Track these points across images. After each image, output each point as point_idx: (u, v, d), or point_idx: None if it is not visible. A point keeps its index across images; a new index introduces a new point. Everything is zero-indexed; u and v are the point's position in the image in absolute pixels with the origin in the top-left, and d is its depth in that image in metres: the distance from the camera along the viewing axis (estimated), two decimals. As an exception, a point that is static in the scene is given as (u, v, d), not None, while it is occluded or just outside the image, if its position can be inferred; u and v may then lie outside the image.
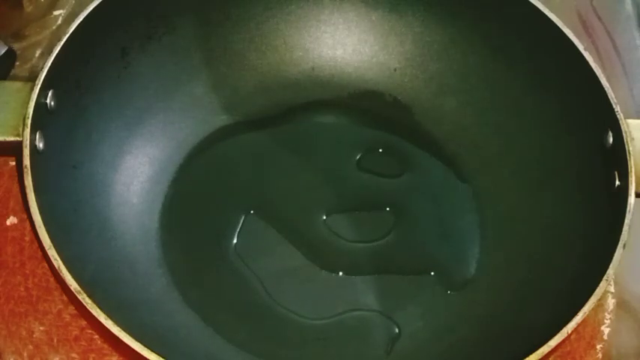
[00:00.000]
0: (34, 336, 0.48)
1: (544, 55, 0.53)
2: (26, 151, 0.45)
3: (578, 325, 0.43)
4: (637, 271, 0.53)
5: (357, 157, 0.56)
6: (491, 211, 0.53)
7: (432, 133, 0.56)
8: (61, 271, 0.42)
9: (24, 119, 0.46)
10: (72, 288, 0.42)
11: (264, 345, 0.49)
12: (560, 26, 0.51)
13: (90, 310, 0.41)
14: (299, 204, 0.54)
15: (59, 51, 0.47)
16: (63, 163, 0.48)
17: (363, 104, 0.56)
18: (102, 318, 0.41)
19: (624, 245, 0.45)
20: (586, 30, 0.62)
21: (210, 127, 0.55)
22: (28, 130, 0.45)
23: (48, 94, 0.47)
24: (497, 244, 0.52)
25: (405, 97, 0.58)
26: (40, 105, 0.46)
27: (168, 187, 0.53)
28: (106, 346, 0.48)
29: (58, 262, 0.42)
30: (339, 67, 0.58)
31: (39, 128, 0.46)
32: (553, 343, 0.42)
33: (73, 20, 0.49)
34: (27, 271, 0.50)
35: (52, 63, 0.47)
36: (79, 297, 0.41)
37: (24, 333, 0.48)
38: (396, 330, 0.50)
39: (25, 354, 0.47)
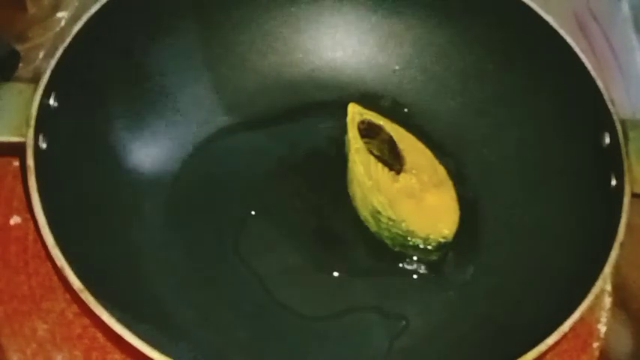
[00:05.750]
0: (38, 334, 0.48)
1: (541, 57, 0.53)
2: (30, 152, 0.45)
3: (575, 323, 0.43)
4: (633, 270, 0.54)
5: (357, 158, 0.56)
6: (489, 211, 0.54)
7: (431, 133, 0.57)
8: (64, 270, 0.42)
9: (27, 120, 0.46)
10: (75, 287, 0.42)
11: (264, 343, 0.49)
12: (557, 28, 0.52)
13: (93, 308, 0.41)
14: (299, 204, 0.54)
15: (62, 52, 0.48)
16: (66, 163, 0.48)
17: (362, 105, 0.56)
18: (104, 316, 0.41)
19: (620, 244, 0.45)
20: (583, 32, 0.62)
21: (211, 128, 0.56)
22: (31, 131, 0.46)
23: (51, 95, 0.47)
24: (495, 243, 0.52)
25: (405, 98, 0.58)
26: (43, 106, 0.47)
27: (169, 188, 0.53)
28: (108, 344, 0.48)
29: (61, 261, 0.42)
30: (339, 68, 0.58)
31: (42, 129, 0.46)
32: (550, 341, 0.43)
33: (76, 22, 0.49)
34: (30, 270, 0.50)
35: (55, 64, 0.47)
36: (82, 295, 0.42)
37: (27, 331, 0.48)
38: (396, 329, 0.50)
39: (29, 352, 0.48)
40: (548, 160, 0.53)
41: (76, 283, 0.42)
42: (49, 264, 0.49)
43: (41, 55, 0.58)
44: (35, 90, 0.47)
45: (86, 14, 0.49)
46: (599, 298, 0.51)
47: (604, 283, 0.47)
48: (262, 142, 0.56)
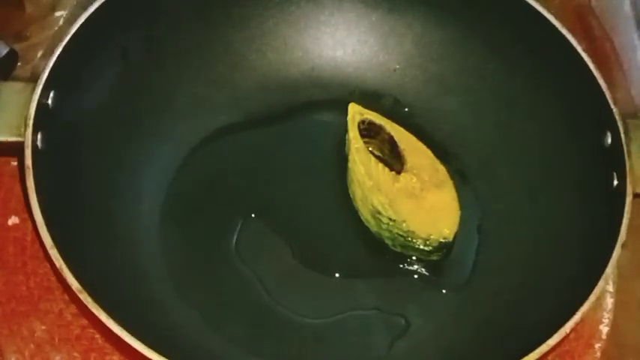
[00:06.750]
0: (36, 335, 0.48)
1: (543, 56, 0.53)
2: (28, 152, 0.45)
3: (577, 324, 0.43)
4: (635, 270, 0.54)
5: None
6: (490, 211, 0.54)
7: (432, 133, 0.56)
8: (62, 271, 0.42)
9: (25, 120, 0.46)
10: (73, 287, 0.42)
11: (264, 344, 0.49)
12: (559, 27, 0.51)
13: (91, 309, 0.41)
14: (299, 204, 0.54)
15: (60, 52, 0.48)
16: (64, 163, 0.48)
17: (363, 105, 0.56)
18: (103, 317, 0.41)
19: (622, 245, 0.45)
20: (585, 31, 0.62)
21: (210, 127, 0.56)
22: (29, 131, 0.46)
23: (49, 94, 0.47)
24: (496, 243, 0.52)
25: (405, 97, 0.58)
26: (41, 105, 0.47)
27: (168, 187, 0.53)
28: (107, 345, 0.48)
29: (59, 261, 0.42)
30: (339, 67, 0.58)
31: (40, 128, 0.46)
32: (552, 342, 0.43)
33: (74, 21, 0.49)
34: (28, 271, 0.50)
35: (53, 64, 0.47)
36: (81, 296, 0.42)
37: (25, 332, 0.48)
38: (396, 329, 0.50)
39: (27, 353, 0.48)
40: (550, 159, 0.53)
41: (74, 283, 0.42)
42: (47, 264, 0.49)
43: (39, 54, 0.58)
44: (33, 89, 0.47)
45: (84, 13, 0.49)
46: (600, 298, 0.51)
47: (605, 283, 0.47)
48: (262, 141, 0.56)
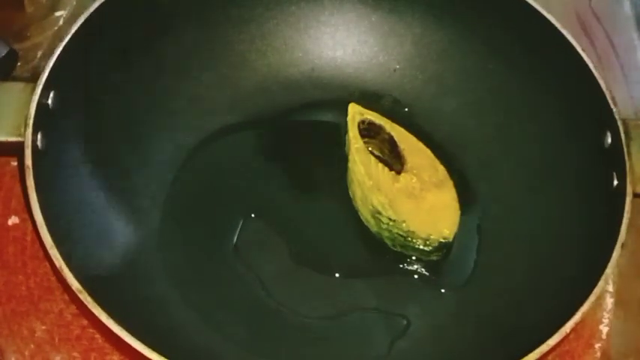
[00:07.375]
0: (36, 335, 0.48)
1: (543, 56, 0.53)
2: (28, 152, 0.45)
3: (577, 324, 0.43)
4: (635, 270, 0.54)
5: (357, 158, 0.56)
6: (490, 211, 0.54)
7: (431, 133, 0.56)
8: (62, 271, 0.42)
9: (26, 120, 0.46)
10: (73, 287, 0.42)
11: (264, 344, 0.49)
12: (559, 27, 0.51)
13: (91, 309, 0.41)
14: (299, 204, 0.54)
15: (61, 52, 0.48)
16: (64, 163, 0.48)
17: (363, 105, 0.56)
18: (103, 317, 0.41)
19: (622, 245, 0.45)
20: (585, 31, 0.62)
21: (210, 128, 0.56)
22: (29, 131, 0.46)
23: (49, 94, 0.47)
24: (496, 243, 0.52)
25: (405, 97, 0.58)
26: (41, 105, 0.47)
27: (168, 187, 0.53)
28: (107, 345, 0.48)
29: (59, 261, 0.42)
30: (339, 67, 0.58)
31: (40, 128, 0.46)
32: (552, 342, 0.43)
33: (74, 21, 0.49)
34: (28, 271, 0.50)
35: (53, 64, 0.47)
36: (81, 296, 0.42)
37: (25, 332, 0.48)
38: (396, 329, 0.50)
39: (27, 353, 0.48)
40: (550, 160, 0.53)
41: (74, 283, 0.42)
42: (47, 264, 0.49)
43: (39, 54, 0.58)
44: (33, 89, 0.47)
45: (84, 13, 0.49)
46: (600, 298, 0.51)
47: (605, 283, 0.47)
48: (262, 141, 0.56)
